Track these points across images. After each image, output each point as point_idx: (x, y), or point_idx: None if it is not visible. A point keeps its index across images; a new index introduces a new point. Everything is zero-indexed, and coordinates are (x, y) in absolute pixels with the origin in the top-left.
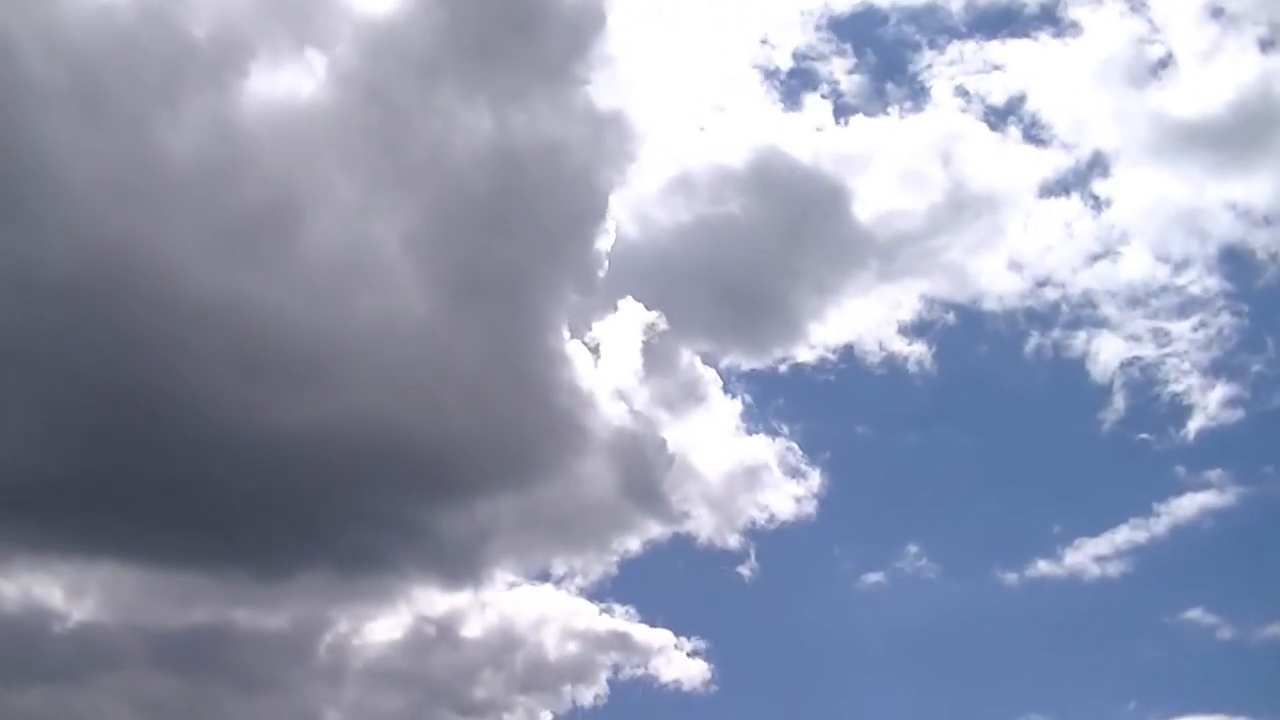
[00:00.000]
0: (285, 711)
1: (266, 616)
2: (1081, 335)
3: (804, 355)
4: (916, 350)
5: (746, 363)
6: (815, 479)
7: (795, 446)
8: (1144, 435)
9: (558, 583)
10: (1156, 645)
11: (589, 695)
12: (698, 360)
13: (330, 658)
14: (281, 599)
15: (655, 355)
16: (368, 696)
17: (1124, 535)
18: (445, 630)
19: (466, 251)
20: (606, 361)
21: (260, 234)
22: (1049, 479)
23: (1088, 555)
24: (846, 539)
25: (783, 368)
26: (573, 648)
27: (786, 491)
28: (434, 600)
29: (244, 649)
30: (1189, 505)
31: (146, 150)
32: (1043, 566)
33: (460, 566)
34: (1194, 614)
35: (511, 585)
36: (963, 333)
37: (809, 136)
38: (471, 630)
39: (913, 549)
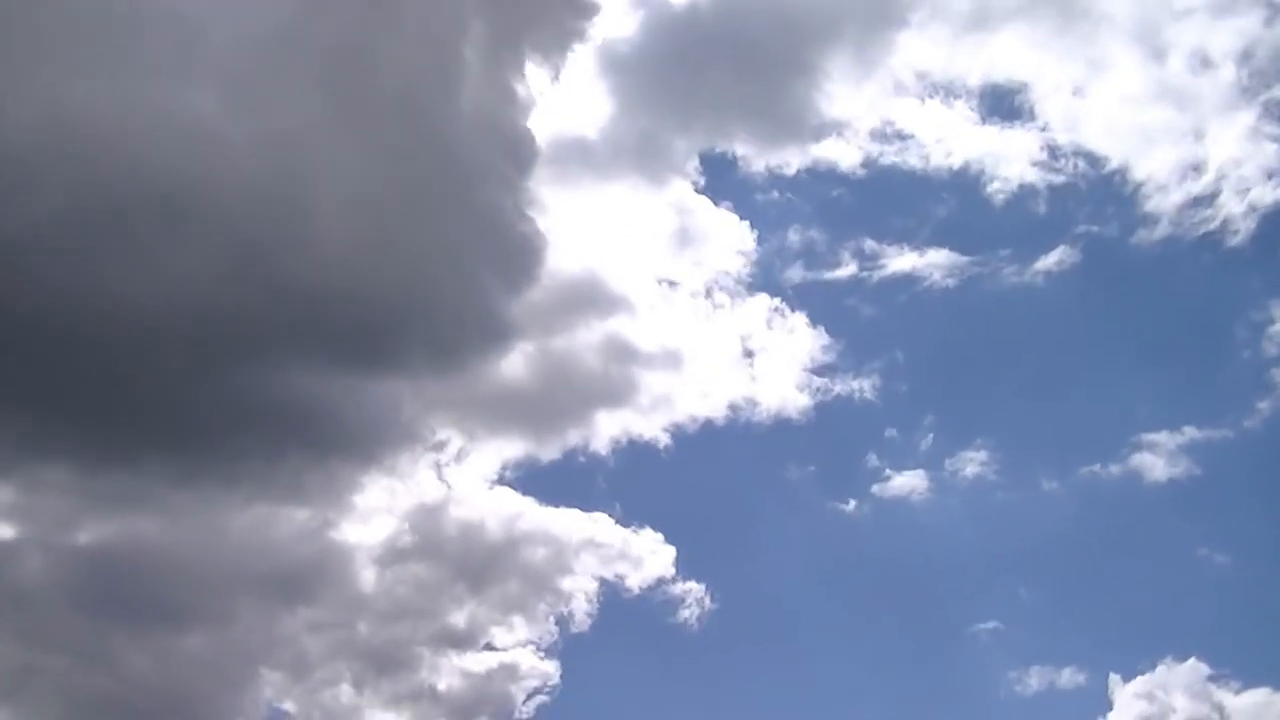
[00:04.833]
0: (219, 651)
1: (180, 529)
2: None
3: (847, 158)
4: (997, 147)
5: (763, 172)
6: (855, 343)
7: (825, 296)
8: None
9: (531, 482)
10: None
11: (575, 610)
12: (690, 186)
13: (270, 578)
14: (194, 507)
15: (642, 165)
16: (322, 626)
17: (1203, 433)
18: (409, 540)
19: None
20: (573, 188)
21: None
22: (1146, 350)
23: (1157, 454)
24: (896, 426)
25: (807, 176)
26: (555, 558)
27: (811, 364)
28: (392, 504)
29: (158, 571)
30: None
31: None
32: (1098, 470)
33: (407, 458)
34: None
35: (490, 483)
36: (1062, 119)
37: None
38: (438, 540)
39: (979, 439)
